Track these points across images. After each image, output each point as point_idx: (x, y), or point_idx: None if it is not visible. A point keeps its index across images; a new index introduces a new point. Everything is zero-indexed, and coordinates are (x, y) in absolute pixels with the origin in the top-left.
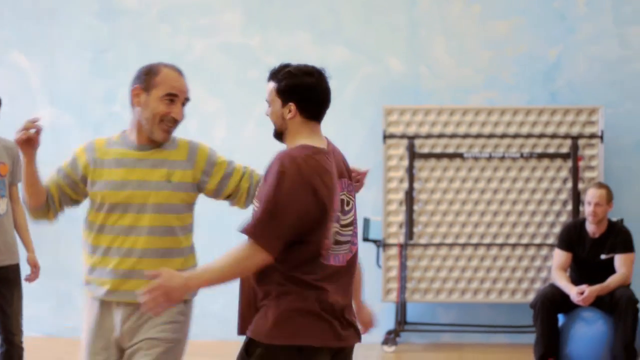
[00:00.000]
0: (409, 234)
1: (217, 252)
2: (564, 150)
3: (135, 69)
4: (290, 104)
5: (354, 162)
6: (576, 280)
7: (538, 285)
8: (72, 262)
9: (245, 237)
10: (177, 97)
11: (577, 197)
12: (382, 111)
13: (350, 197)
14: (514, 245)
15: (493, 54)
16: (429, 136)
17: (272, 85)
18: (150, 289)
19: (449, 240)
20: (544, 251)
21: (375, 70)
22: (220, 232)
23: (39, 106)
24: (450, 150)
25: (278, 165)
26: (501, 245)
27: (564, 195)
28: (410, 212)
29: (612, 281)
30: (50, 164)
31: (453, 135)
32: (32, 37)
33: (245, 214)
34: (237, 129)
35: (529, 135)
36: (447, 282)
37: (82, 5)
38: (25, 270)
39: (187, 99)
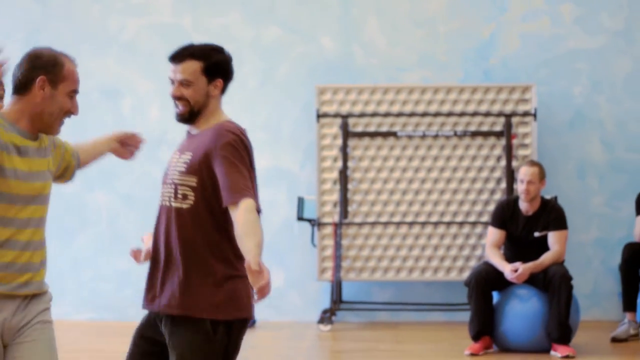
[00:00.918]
0: (344, 213)
1: None
2: (498, 128)
3: (70, 50)
4: (218, 80)
5: (288, 142)
6: (510, 258)
7: (473, 263)
8: None
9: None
10: (76, 93)
11: (510, 175)
12: (316, 90)
13: None
14: (449, 224)
15: (426, 32)
16: (362, 115)
17: (194, 64)
18: (264, 286)
19: (384, 219)
20: (479, 229)
21: (308, 50)
22: None
23: None
24: (384, 129)
25: (234, 137)
26: (436, 224)
27: (497, 173)
28: (344, 191)
29: (545, 258)
30: None
31: (387, 114)
32: None
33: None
34: (171, 110)
35: (462, 114)
36: (382, 261)
37: None
38: None
39: None
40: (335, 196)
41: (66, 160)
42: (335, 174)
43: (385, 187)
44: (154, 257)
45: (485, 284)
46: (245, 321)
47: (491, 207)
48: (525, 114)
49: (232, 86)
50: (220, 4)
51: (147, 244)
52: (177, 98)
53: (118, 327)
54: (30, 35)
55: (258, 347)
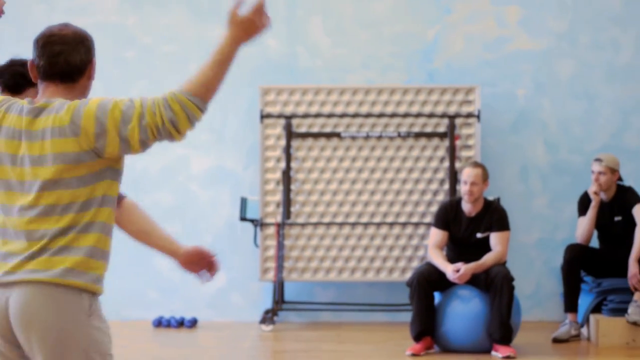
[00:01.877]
0: (287, 214)
1: None
2: (441, 129)
3: (14, 50)
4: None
5: (232, 142)
6: (453, 259)
7: (415, 264)
8: None
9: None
10: None
11: (454, 176)
12: (259, 91)
13: None
14: (392, 224)
15: (370, 34)
16: (306, 116)
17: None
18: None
19: (327, 220)
20: (421, 230)
21: (253, 50)
22: None
23: None
24: (328, 129)
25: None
26: (379, 224)
27: (441, 174)
28: (287, 191)
29: (487, 259)
30: None
31: (330, 115)
32: None
33: None
34: None
35: (406, 115)
36: (324, 261)
37: None
38: None
39: None
40: (278, 197)
41: None
42: (278, 175)
43: (328, 187)
44: None
45: (427, 284)
46: None
47: (434, 208)
48: (469, 115)
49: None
50: (165, 4)
51: None
52: None
53: None
54: None
55: (199, 347)
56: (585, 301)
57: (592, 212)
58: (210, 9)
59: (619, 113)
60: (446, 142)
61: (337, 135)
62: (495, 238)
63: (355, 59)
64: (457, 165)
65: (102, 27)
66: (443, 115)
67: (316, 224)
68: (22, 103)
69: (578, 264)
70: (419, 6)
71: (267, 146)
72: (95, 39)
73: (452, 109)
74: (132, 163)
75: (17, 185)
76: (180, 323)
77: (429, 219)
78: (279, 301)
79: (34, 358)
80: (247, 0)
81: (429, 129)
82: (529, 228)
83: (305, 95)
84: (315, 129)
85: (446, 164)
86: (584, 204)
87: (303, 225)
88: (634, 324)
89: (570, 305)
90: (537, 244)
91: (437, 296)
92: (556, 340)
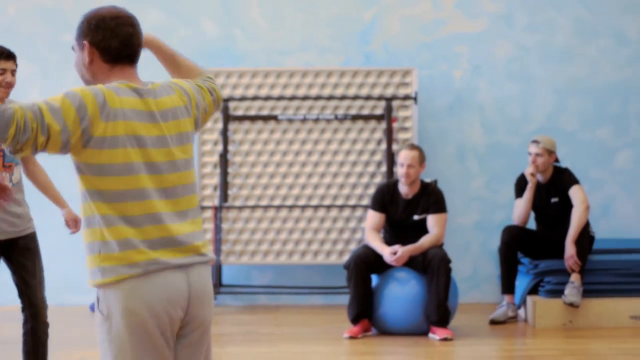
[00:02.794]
0: (224, 197)
1: None
2: (379, 111)
3: None
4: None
5: None
6: (390, 241)
7: (353, 246)
8: None
9: None
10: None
11: (391, 159)
12: None
13: None
14: (329, 207)
15: (307, 16)
16: (243, 99)
17: None
18: None
19: (264, 203)
20: (359, 212)
21: (190, 34)
22: None
23: None
24: (265, 112)
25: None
26: (316, 207)
27: (378, 157)
28: (224, 174)
29: (424, 241)
30: None
31: (268, 98)
32: None
33: None
34: (51, 94)
35: (343, 97)
36: (262, 245)
37: None
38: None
39: None
40: (216, 180)
41: None
42: (215, 158)
43: (266, 170)
44: None
45: (365, 267)
46: None
47: (372, 191)
48: (406, 97)
49: None
50: None
51: None
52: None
53: None
54: None
55: None
56: (522, 283)
57: (528, 193)
58: None
59: (556, 95)
60: (383, 125)
61: (275, 118)
62: (432, 220)
63: (292, 42)
64: (395, 147)
65: (38, 11)
66: (380, 98)
67: (253, 207)
68: (124, 86)
69: (515, 246)
70: None
71: (204, 129)
72: (32, 23)
73: (390, 91)
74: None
75: (167, 166)
76: None
77: (366, 201)
78: (217, 284)
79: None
80: None
81: (366, 112)
82: (466, 210)
83: (242, 78)
84: (252, 112)
85: (383, 146)
86: (520, 185)
87: (240, 208)
88: (571, 305)
89: (508, 286)
90: (474, 226)
91: (374, 279)
92: (493, 322)
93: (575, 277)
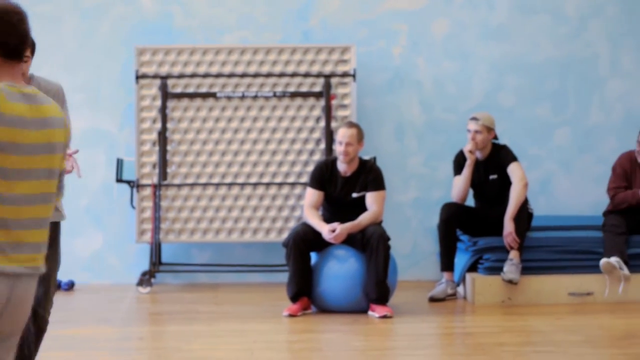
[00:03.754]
0: (163, 175)
1: None
2: (317, 89)
3: None
4: None
5: (107, 103)
6: (329, 219)
7: (292, 224)
8: None
9: None
10: None
11: (330, 136)
12: (135, 51)
13: None
14: (268, 185)
15: None
16: (181, 76)
17: None
18: None
19: (203, 180)
20: (298, 190)
21: (127, 10)
22: None
23: None
24: (203, 90)
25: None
26: (255, 185)
27: (317, 134)
28: (163, 152)
29: (363, 219)
30: None
31: (206, 75)
32: None
33: None
34: None
35: (282, 74)
36: (201, 222)
37: None
38: None
39: None
40: (154, 157)
41: None
42: (154, 136)
43: (205, 148)
44: None
45: (303, 244)
46: None
47: (310, 168)
48: (345, 74)
49: (51, 48)
50: None
51: None
52: None
53: None
54: None
55: (75, 310)
56: (461, 260)
57: (467, 170)
58: None
59: (494, 72)
60: (322, 102)
61: (213, 95)
62: (370, 198)
63: (230, 19)
64: (333, 125)
65: None
66: (319, 75)
67: (192, 185)
68: (16, 91)
69: (454, 223)
70: None
71: (143, 107)
72: None
73: (328, 69)
74: None
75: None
76: (57, 286)
77: (305, 179)
78: (156, 263)
79: None
80: None
81: (304, 89)
82: (404, 187)
83: (180, 56)
84: (191, 90)
85: (322, 123)
86: (459, 162)
87: (179, 186)
88: (510, 282)
89: (447, 264)
90: (413, 203)
91: (313, 256)
92: (433, 299)
93: (514, 254)
